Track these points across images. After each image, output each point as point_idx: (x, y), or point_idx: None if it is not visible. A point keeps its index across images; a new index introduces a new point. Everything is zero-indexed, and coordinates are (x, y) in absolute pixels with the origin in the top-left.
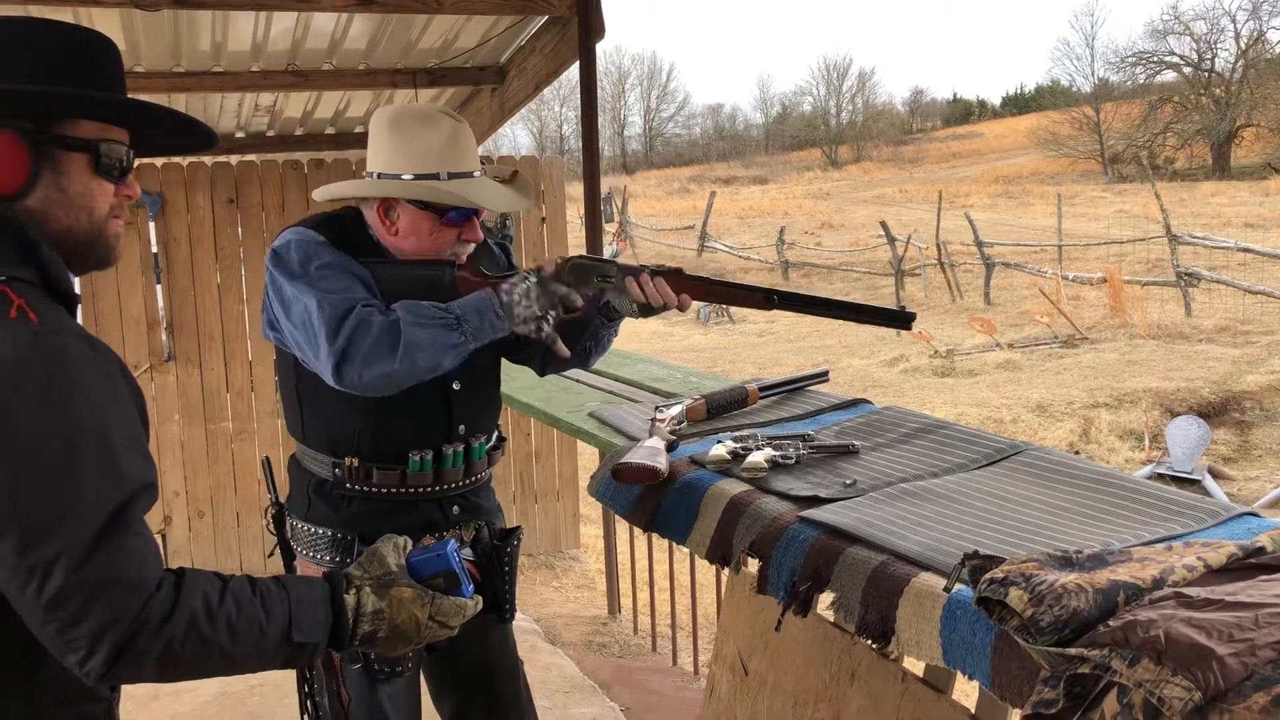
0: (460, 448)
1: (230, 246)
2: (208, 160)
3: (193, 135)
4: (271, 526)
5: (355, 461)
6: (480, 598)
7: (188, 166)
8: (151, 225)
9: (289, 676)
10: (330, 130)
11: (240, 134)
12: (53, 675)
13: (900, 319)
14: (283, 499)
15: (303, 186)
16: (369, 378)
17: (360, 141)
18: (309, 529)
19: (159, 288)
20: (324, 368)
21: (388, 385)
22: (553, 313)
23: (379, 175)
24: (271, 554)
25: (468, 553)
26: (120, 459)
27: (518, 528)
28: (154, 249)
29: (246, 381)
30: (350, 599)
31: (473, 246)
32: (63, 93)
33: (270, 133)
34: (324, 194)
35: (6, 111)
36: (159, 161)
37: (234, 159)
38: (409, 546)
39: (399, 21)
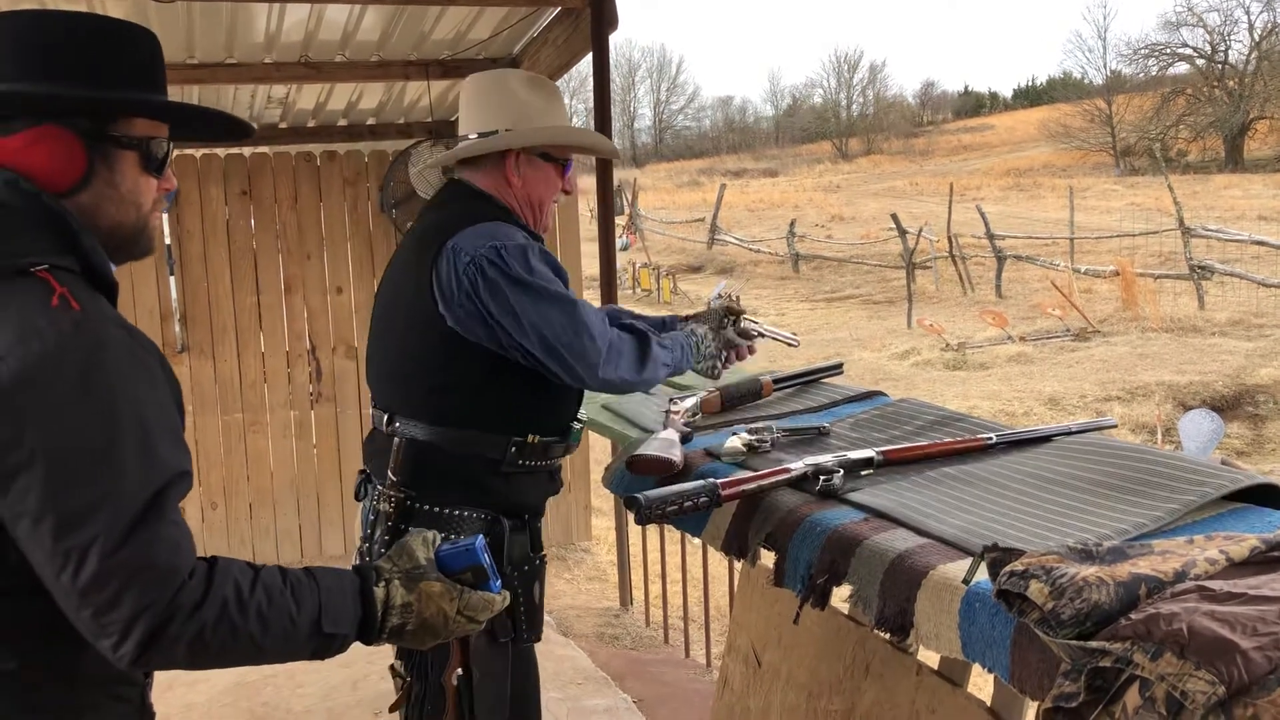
0: (578, 425)
1: (243, 238)
2: (220, 152)
3: (234, 130)
4: (391, 519)
5: (535, 437)
6: (508, 593)
7: (200, 158)
8: (165, 217)
9: (304, 667)
10: (343, 122)
11: (253, 126)
12: (91, 658)
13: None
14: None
15: (315, 179)
16: (619, 379)
17: (372, 134)
18: (466, 514)
19: (172, 279)
20: (583, 365)
21: (623, 388)
22: (725, 354)
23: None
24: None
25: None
26: (157, 446)
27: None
28: (167, 241)
29: (260, 373)
30: (380, 591)
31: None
32: (126, 99)
33: (283, 125)
34: (482, 146)
35: (65, 110)
36: (173, 154)
37: (247, 151)
38: (438, 541)
39: (412, 13)
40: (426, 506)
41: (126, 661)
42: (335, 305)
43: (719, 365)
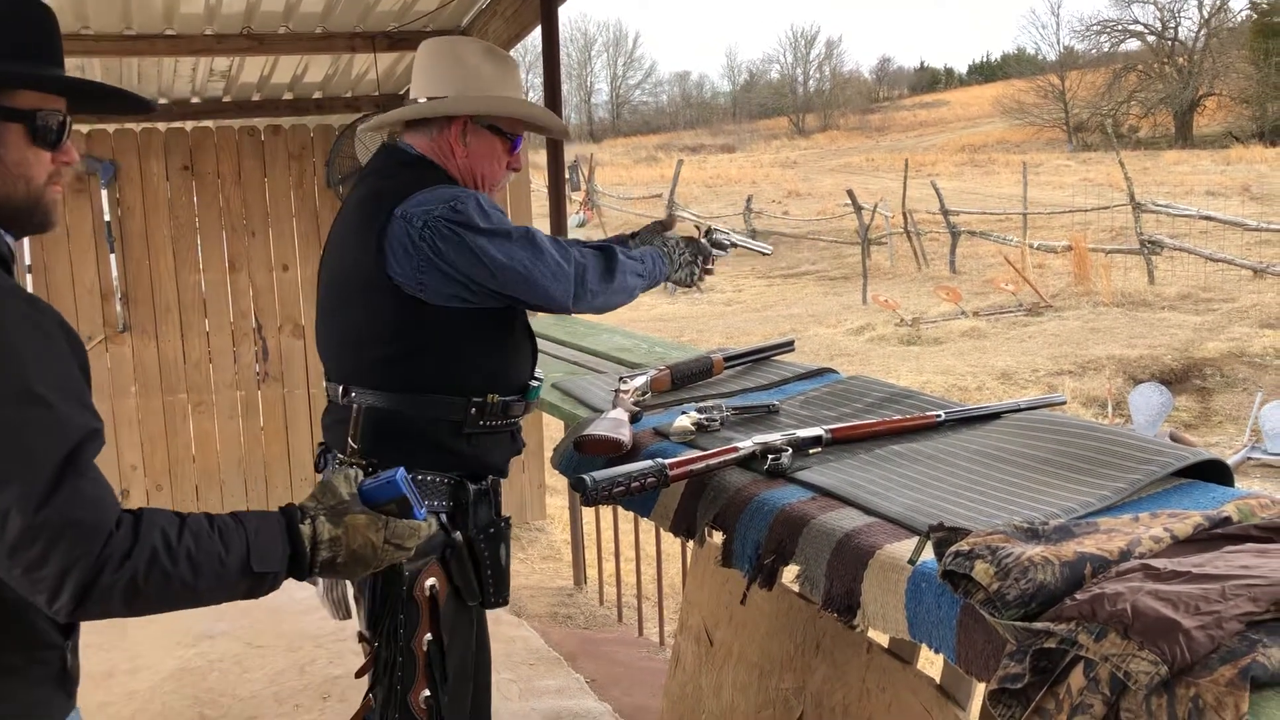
0: (535, 383)
1: (186, 215)
2: (161, 126)
3: (127, 104)
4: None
5: (495, 397)
6: (433, 519)
7: (141, 133)
8: (104, 193)
9: (250, 652)
10: (288, 95)
11: (195, 100)
12: (7, 621)
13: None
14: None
15: (259, 154)
16: (593, 292)
17: (318, 108)
18: (430, 478)
19: (113, 257)
20: (559, 289)
21: (601, 303)
22: (700, 258)
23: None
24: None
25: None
26: (64, 410)
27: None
28: (106, 217)
29: (204, 353)
30: (306, 528)
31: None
32: (5, 71)
33: (226, 98)
34: (427, 110)
35: None
36: (111, 128)
37: (189, 125)
38: (360, 477)
39: None
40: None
41: (64, 613)
42: (281, 283)
43: (697, 269)
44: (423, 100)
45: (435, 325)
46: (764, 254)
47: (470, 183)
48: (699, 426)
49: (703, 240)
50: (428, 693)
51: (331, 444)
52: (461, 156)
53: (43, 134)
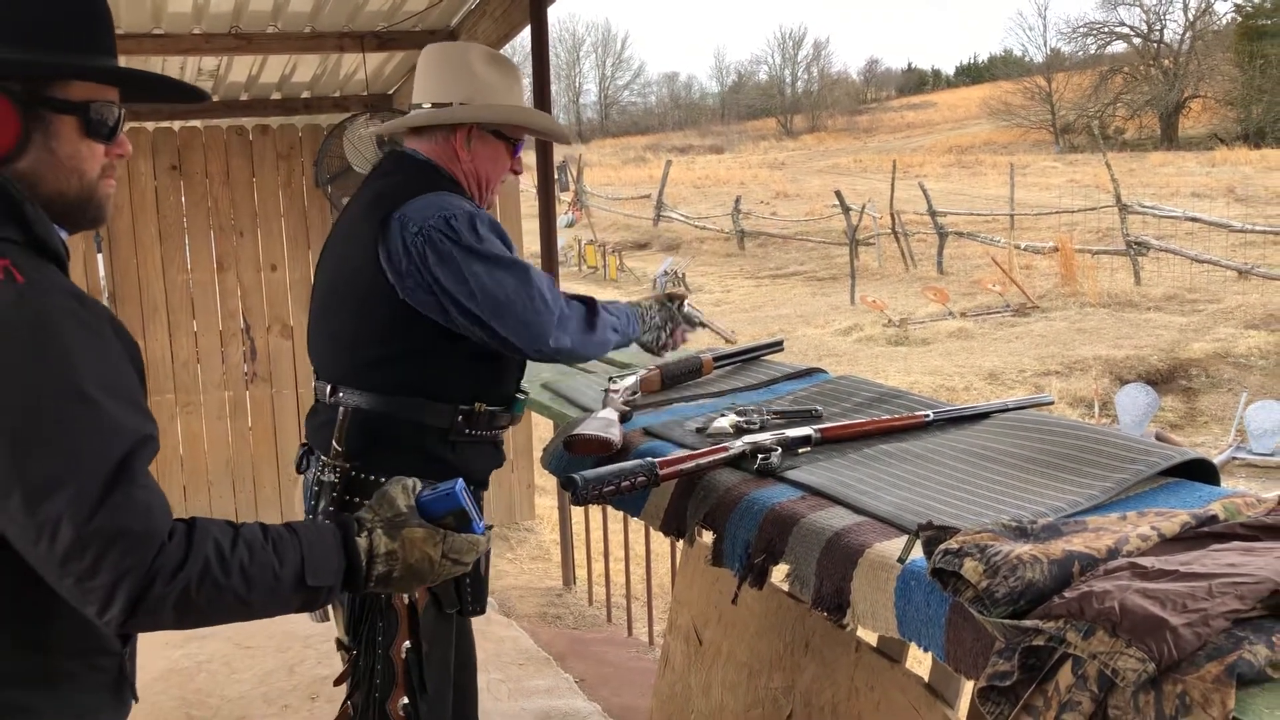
0: (522, 395)
1: (173, 214)
2: (149, 126)
3: (180, 93)
4: (336, 490)
5: (482, 406)
6: (491, 533)
7: (128, 132)
8: None
9: (238, 653)
10: (277, 95)
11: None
12: (65, 628)
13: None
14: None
15: (248, 153)
16: (569, 344)
17: (307, 108)
18: None
19: (100, 257)
20: (535, 330)
21: (572, 355)
22: (670, 326)
23: (461, 105)
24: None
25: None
26: (116, 413)
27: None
28: None
29: (192, 353)
30: (363, 541)
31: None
32: (59, 63)
33: (214, 98)
34: (438, 116)
35: None
36: None
37: (177, 125)
38: (418, 488)
39: None
40: (372, 476)
41: (115, 625)
42: (270, 283)
43: (664, 336)
44: (427, 106)
45: (427, 330)
46: (727, 340)
47: (473, 185)
48: (738, 429)
49: (676, 309)
50: (406, 700)
51: (315, 445)
52: (466, 161)
53: (96, 126)
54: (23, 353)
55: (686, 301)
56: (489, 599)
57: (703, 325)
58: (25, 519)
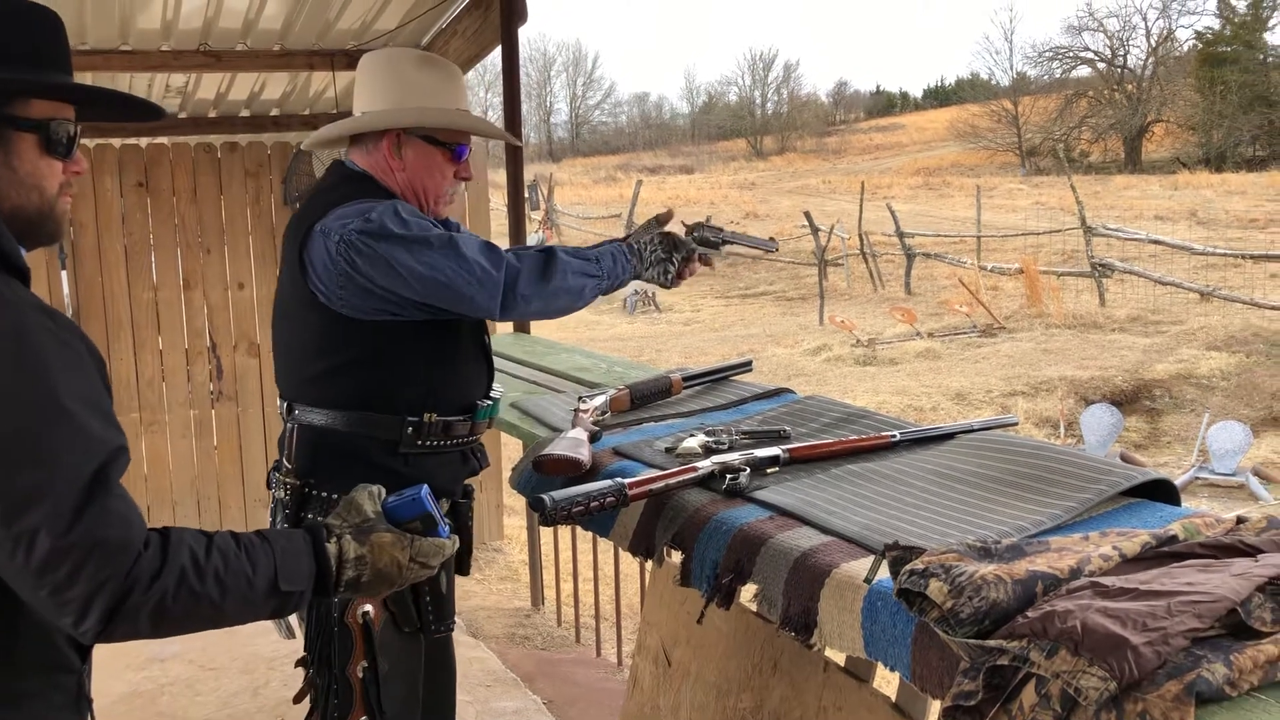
0: (489, 401)
1: (140, 232)
2: (115, 143)
3: (141, 112)
4: (288, 507)
5: (433, 416)
6: (457, 538)
7: (95, 148)
8: None
9: (201, 675)
10: (245, 113)
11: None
12: (27, 645)
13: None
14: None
15: (215, 170)
16: (524, 295)
17: (276, 125)
18: None
19: (64, 274)
20: (484, 294)
21: (537, 306)
22: (677, 256)
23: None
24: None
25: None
26: (91, 425)
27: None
28: None
29: (157, 371)
30: (332, 547)
31: (462, 186)
32: (18, 80)
33: (182, 115)
34: (344, 127)
35: None
36: None
37: (144, 141)
38: (384, 495)
39: (315, 1)
40: (323, 493)
41: (90, 636)
42: (237, 301)
43: (672, 268)
44: (357, 115)
45: (364, 340)
46: (769, 251)
47: (413, 197)
48: (707, 449)
49: (688, 235)
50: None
51: (280, 461)
52: (399, 170)
53: (55, 144)
54: (5, 371)
55: (701, 223)
56: (456, 619)
57: (725, 243)
58: (3, 532)
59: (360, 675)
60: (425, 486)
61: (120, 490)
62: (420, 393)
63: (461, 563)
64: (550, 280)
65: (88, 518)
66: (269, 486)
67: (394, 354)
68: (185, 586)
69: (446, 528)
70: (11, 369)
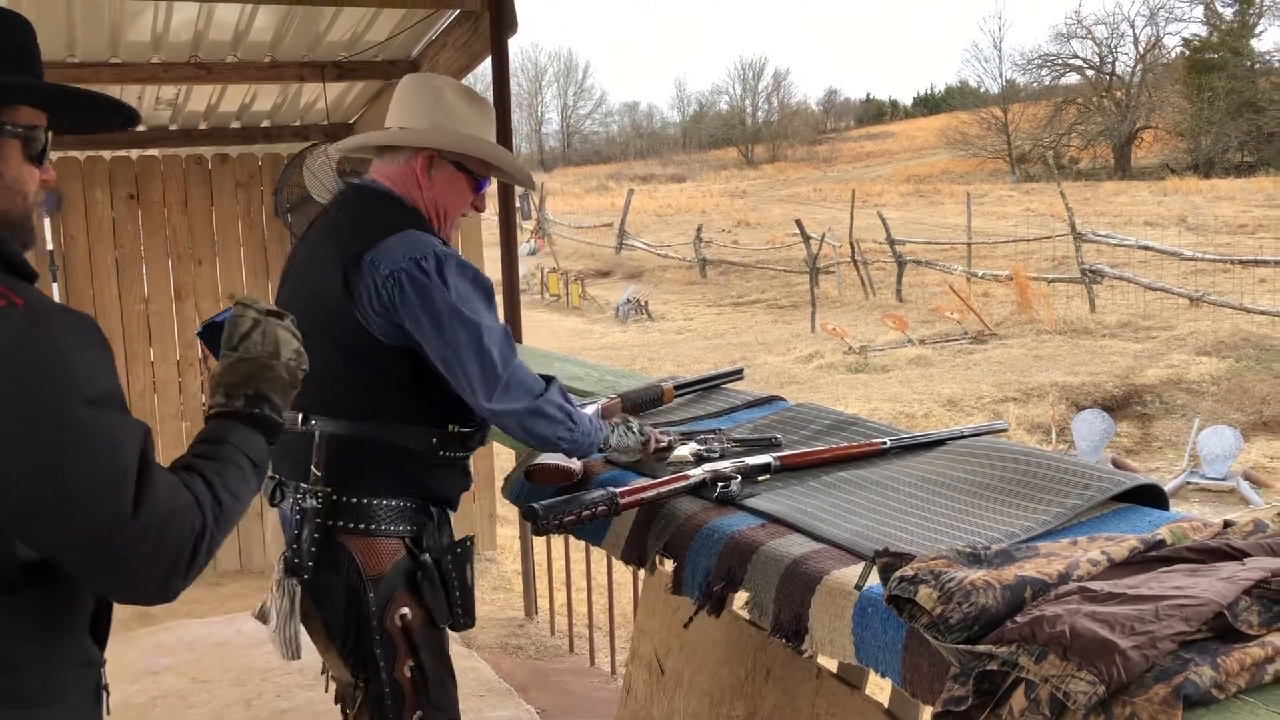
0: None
1: (130, 243)
2: (106, 155)
3: (117, 116)
4: (319, 515)
5: (455, 428)
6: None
7: (85, 161)
8: (46, 222)
9: (195, 687)
10: (236, 124)
11: (141, 127)
12: (67, 642)
13: None
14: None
15: (206, 182)
16: (507, 410)
17: (266, 136)
18: (393, 504)
19: (55, 286)
20: (481, 390)
21: (513, 424)
22: (640, 443)
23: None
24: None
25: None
26: (124, 413)
27: (468, 537)
28: (49, 246)
29: (149, 383)
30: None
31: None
32: (11, 84)
33: (173, 126)
34: (384, 138)
35: None
36: (54, 155)
37: (134, 153)
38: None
39: (306, 13)
40: (354, 499)
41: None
42: None
43: (638, 440)
44: (393, 129)
45: (400, 360)
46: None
47: (433, 215)
48: (698, 457)
49: (648, 429)
50: (420, 713)
51: (288, 475)
52: (427, 189)
53: (34, 150)
54: (45, 374)
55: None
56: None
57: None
58: (76, 525)
59: (409, 675)
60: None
61: (158, 464)
62: (444, 406)
63: (468, 617)
64: (532, 399)
65: (149, 496)
66: (273, 503)
67: (421, 371)
68: (223, 516)
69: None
70: (57, 374)
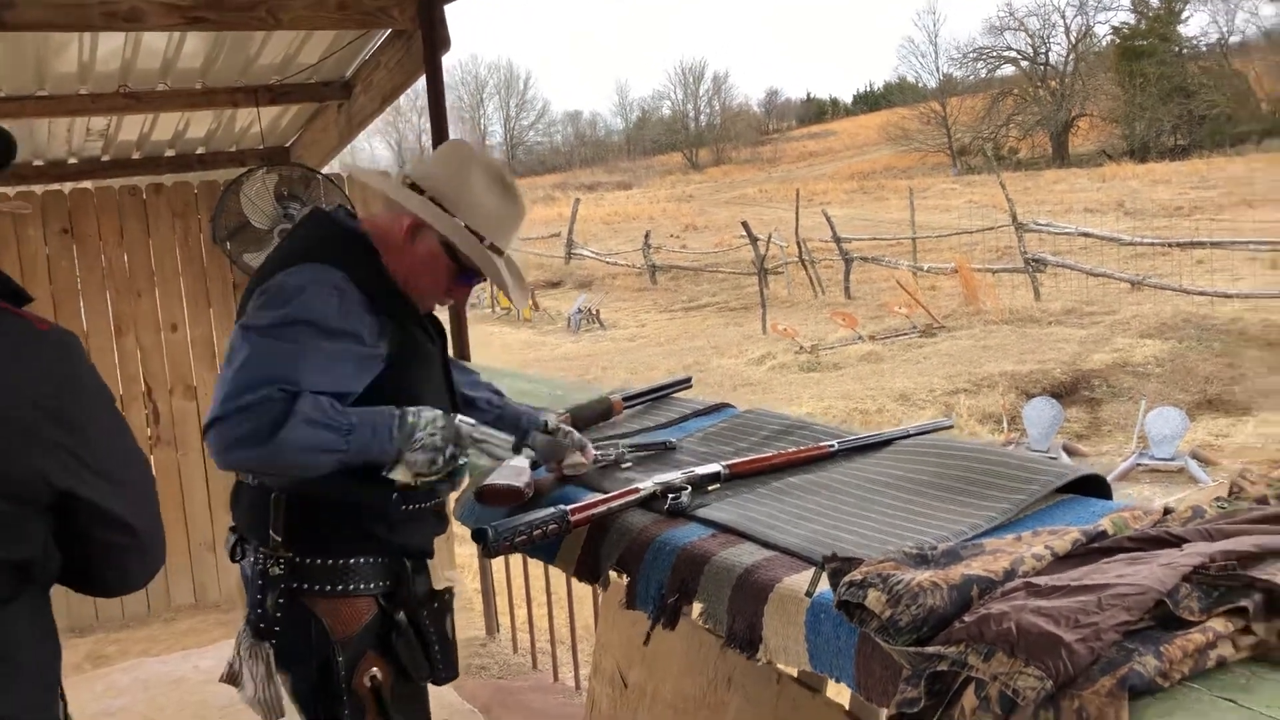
0: (464, 460)
1: (66, 279)
2: (38, 189)
3: None
4: (283, 581)
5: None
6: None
7: (16, 196)
8: None
9: (192, 714)
10: (170, 153)
11: (72, 160)
12: (31, 677)
13: None
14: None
15: (142, 213)
16: (232, 457)
17: (202, 163)
18: (362, 561)
19: None
20: (209, 419)
21: (256, 470)
22: (453, 449)
23: (432, 200)
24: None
25: None
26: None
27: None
28: None
29: None
30: None
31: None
32: None
33: (105, 158)
34: (387, 188)
35: None
36: None
37: (67, 187)
38: None
39: (235, 39)
40: (319, 560)
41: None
42: (170, 343)
43: (442, 460)
44: (408, 181)
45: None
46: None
47: (403, 281)
48: (594, 462)
49: (474, 428)
50: None
51: (246, 532)
52: (406, 253)
53: None
54: (92, 382)
55: (551, 419)
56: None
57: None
58: (114, 504)
59: None
60: None
61: None
62: None
63: (449, 670)
64: (266, 445)
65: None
66: (233, 559)
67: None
68: None
69: None
70: (95, 385)
